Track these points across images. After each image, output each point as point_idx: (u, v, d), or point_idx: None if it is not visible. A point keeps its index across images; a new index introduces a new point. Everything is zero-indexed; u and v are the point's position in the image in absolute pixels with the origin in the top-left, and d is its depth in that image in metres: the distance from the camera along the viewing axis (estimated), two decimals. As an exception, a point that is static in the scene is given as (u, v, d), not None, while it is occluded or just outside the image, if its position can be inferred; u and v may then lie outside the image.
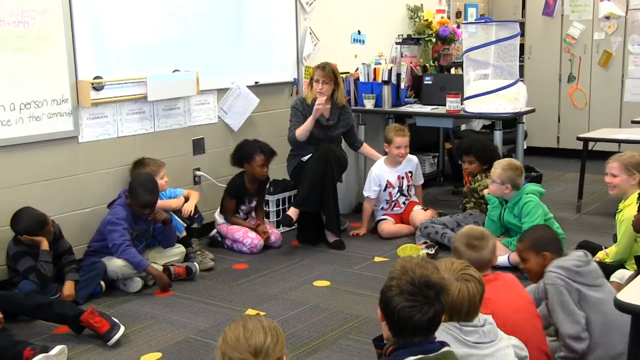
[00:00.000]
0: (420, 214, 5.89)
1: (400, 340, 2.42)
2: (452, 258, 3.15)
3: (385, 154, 6.08)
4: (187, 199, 5.43)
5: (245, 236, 5.55)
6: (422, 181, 6.29)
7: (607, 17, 8.43)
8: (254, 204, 5.80)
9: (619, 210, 4.53)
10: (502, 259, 4.80)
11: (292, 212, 5.55)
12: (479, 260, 3.26)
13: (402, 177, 6.03)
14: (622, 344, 3.40)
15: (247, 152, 5.62)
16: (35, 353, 3.63)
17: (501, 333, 2.80)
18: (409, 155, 6.11)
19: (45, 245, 4.52)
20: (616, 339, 3.36)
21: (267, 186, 6.11)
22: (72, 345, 3.93)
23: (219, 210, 5.77)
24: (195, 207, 5.43)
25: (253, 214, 5.84)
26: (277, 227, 5.97)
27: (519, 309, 3.22)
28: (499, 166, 5.03)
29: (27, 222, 4.50)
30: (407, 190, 6.06)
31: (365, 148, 6.28)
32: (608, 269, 4.25)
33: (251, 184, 5.70)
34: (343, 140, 6.13)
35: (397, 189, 6.02)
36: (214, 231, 5.83)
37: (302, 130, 5.71)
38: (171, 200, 5.31)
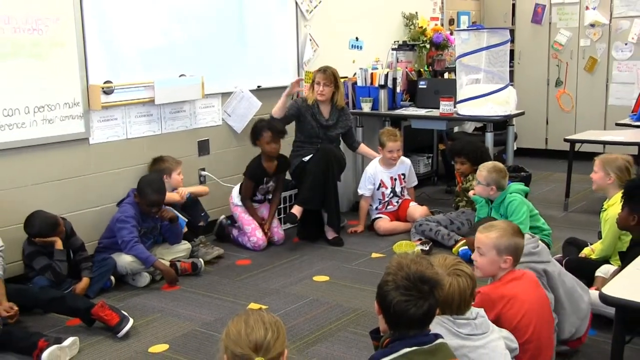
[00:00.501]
0: (417, 209, 5.93)
1: (396, 333, 2.43)
2: (445, 254, 3.17)
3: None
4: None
5: (252, 233, 5.54)
6: (415, 182, 6.30)
7: (592, 25, 8.46)
8: (270, 185, 5.74)
9: (603, 209, 4.57)
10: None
11: (296, 210, 5.55)
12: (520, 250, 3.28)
13: (395, 179, 6.04)
14: (584, 304, 3.48)
15: (256, 130, 5.62)
16: (49, 344, 3.65)
17: (492, 325, 2.82)
18: (402, 158, 6.12)
19: (59, 244, 4.52)
20: (579, 301, 3.46)
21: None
22: (84, 337, 3.93)
23: (237, 188, 5.72)
24: (201, 205, 5.43)
25: (270, 196, 5.81)
26: (283, 223, 5.96)
27: (544, 309, 3.22)
28: (484, 169, 5.04)
29: (40, 225, 4.49)
30: (400, 192, 6.07)
31: (363, 148, 6.29)
32: (593, 265, 4.30)
33: (268, 164, 5.64)
34: (342, 141, 6.13)
35: (390, 189, 6.02)
36: (223, 217, 5.83)
37: (277, 108, 5.83)
38: (173, 193, 5.26)
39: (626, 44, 8.30)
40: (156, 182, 4.94)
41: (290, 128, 5.94)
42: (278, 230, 5.78)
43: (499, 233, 3.22)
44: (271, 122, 5.68)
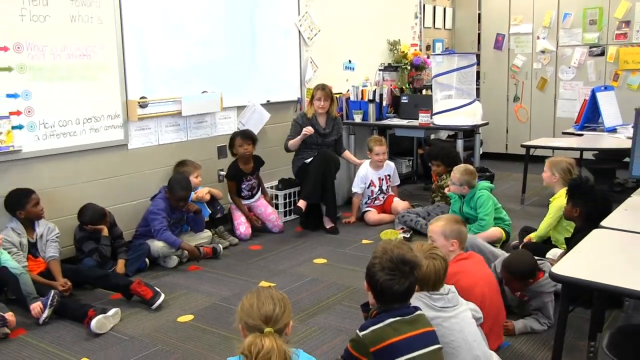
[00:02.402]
0: (400, 204, 5.93)
1: (382, 306, 2.46)
2: (422, 241, 3.20)
3: (368, 160, 6.10)
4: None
5: (237, 227, 5.51)
6: (398, 182, 6.29)
7: (543, 52, 8.50)
8: (252, 181, 5.70)
9: (550, 201, 4.59)
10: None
11: (301, 203, 5.53)
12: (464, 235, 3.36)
13: (382, 179, 6.05)
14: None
15: (230, 140, 5.64)
16: (97, 313, 3.68)
17: (461, 299, 2.83)
18: (388, 162, 6.12)
19: (105, 232, 4.57)
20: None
21: (277, 183, 6.14)
22: (124, 308, 3.95)
23: (229, 196, 5.70)
24: (217, 200, 5.40)
25: (256, 192, 5.76)
26: (289, 215, 5.95)
27: (490, 282, 3.25)
28: (458, 171, 5.02)
29: (91, 215, 4.54)
30: (386, 190, 6.08)
31: (347, 154, 6.22)
32: (544, 249, 4.27)
33: (244, 165, 5.61)
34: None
35: (377, 187, 6.03)
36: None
37: (293, 143, 5.77)
38: (202, 190, 5.27)
39: (569, 67, 8.34)
40: (184, 180, 4.96)
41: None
42: (278, 222, 5.75)
43: (444, 222, 3.34)
44: (243, 131, 5.68)
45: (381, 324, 2.37)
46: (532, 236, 4.56)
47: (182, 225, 5.10)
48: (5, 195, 4.23)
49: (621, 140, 6.09)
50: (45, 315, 3.77)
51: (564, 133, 7.03)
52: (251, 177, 5.69)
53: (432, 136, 7.48)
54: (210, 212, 5.32)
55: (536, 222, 5.12)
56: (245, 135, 5.60)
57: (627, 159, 4.08)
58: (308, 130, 5.67)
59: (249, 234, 5.50)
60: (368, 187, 6.02)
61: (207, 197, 5.25)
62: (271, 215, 5.74)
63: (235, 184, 5.63)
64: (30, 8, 4.31)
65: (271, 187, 6.12)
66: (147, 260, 4.76)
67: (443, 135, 7.62)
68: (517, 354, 3.30)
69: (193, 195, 5.18)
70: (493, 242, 4.64)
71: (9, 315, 3.64)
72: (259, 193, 5.81)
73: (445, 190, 5.40)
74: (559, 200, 4.29)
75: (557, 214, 4.31)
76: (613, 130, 6.56)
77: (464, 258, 3.29)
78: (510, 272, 3.50)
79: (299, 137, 5.70)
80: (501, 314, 3.29)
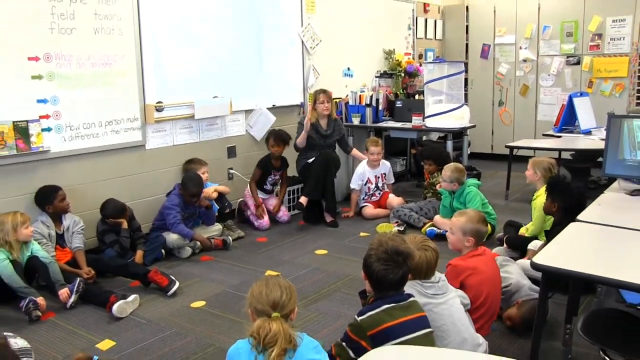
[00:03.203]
0: (394, 200, 5.93)
1: (378, 294, 2.46)
2: (415, 234, 3.21)
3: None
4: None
5: (255, 218, 5.60)
6: (392, 181, 6.28)
7: (525, 60, 8.50)
8: (277, 177, 5.80)
9: (533, 199, 4.61)
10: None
11: (303, 199, 5.56)
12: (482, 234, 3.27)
13: (378, 177, 6.06)
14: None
15: (267, 137, 5.73)
16: (118, 299, 3.72)
17: (450, 287, 2.82)
18: (384, 161, 6.12)
19: (125, 225, 4.59)
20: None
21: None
22: (142, 294, 3.97)
23: (249, 182, 5.76)
24: (225, 197, 5.38)
25: (275, 190, 5.87)
26: (292, 210, 5.97)
27: (495, 282, 3.21)
28: (448, 169, 5.05)
29: (112, 209, 4.58)
30: (381, 187, 6.09)
31: (355, 152, 6.28)
32: (526, 240, 4.34)
33: (275, 161, 5.70)
34: (338, 146, 6.12)
35: (374, 185, 6.04)
36: (240, 199, 5.83)
37: (300, 140, 5.80)
38: (210, 188, 5.26)
39: (549, 75, 8.35)
40: (196, 178, 4.98)
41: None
42: (286, 213, 5.81)
43: (466, 219, 3.25)
44: (276, 132, 5.72)
45: (377, 310, 2.38)
46: (523, 231, 4.57)
47: (195, 219, 5.12)
48: (35, 191, 4.28)
49: (595, 141, 6.11)
50: (72, 300, 3.81)
51: (544, 135, 7.06)
52: (277, 173, 5.76)
53: (424, 137, 7.47)
54: (218, 207, 5.33)
55: (519, 217, 5.15)
56: (278, 137, 5.66)
57: (600, 159, 4.10)
58: (306, 125, 5.72)
59: (267, 225, 5.58)
60: (365, 184, 6.02)
61: (215, 195, 5.25)
62: (281, 207, 5.82)
63: (262, 173, 5.69)
64: (59, 22, 4.34)
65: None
66: (163, 251, 4.78)
67: (434, 136, 7.61)
68: (501, 335, 3.31)
69: (214, 194, 5.21)
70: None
71: (40, 300, 3.69)
72: (275, 192, 5.89)
73: (437, 187, 5.40)
74: (542, 197, 4.31)
75: (542, 210, 4.33)
76: (588, 132, 6.58)
77: (477, 254, 3.21)
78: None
79: (303, 132, 5.75)
80: (497, 309, 3.26)
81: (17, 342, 2.09)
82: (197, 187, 4.92)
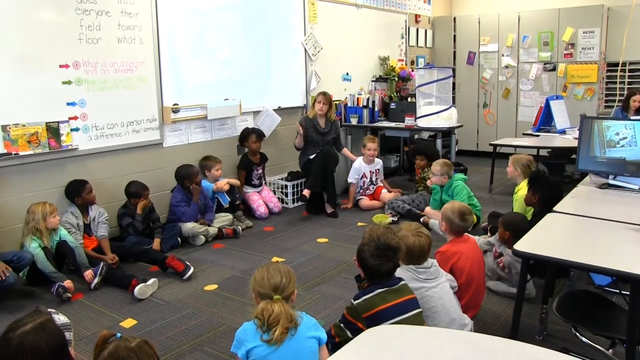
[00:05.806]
0: (387, 195, 5.92)
1: (371, 280, 2.47)
2: (409, 222, 3.21)
3: (362, 155, 6.10)
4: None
5: (257, 209, 5.58)
6: (382, 177, 6.19)
7: (507, 67, 8.49)
8: (260, 171, 5.75)
9: (515, 192, 4.60)
10: (435, 222, 4.78)
11: (306, 192, 5.53)
12: (465, 228, 3.25)
13: (373, 172, 6.05)
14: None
15: (243, 134, 5.67)
16: (139, 282, 3.73)
17: (442, 271, 2.83)
18: (377, 159, 6.11)
19: (140, 209, 4.58)
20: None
21: (286, 175, 6.15)
22: (161, 278, 3.98)
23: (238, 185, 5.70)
24: (236, 189, 5.37)
25: (263, 182, 5.81)
26: (296, 202, 5.96)
27: (479, 261, 3.23)
28: (437, 164, 5.04)
29: (136, 187, 4.60)
30: (375, 181, 6.07)
31: (345, 151, 6.25)
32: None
33: (254, 157, 5.67)
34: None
35: (369, 179, 6.03)
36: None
37: (297, 141, 5.85)
38: (217, 182, 5.25)
39: (528, 80, 8.34)
40: (183, 166, 4.96)
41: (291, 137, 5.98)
42: (277, 204, 5.78)
43: (449, 206, 3.29)
44: (254, 129, 5.71)
45: (372, 294, 2.38)
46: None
47: (208, 208, 5.09)
48: (65, 185, 4.30)
49: (570, 140, 6.12)
50: (95, 281, 3.83)
51: (524, 134, 7.03)
52: (258, 167, 5.73)
53: (416, 136, 7.47)
54: (229, 199, 5.32)
55: (502, 208, 5.15)
56: (258, 134, 5.67)
57: (574, 156, 4.10)
58: (299, 127, 5.76)
59: (267, 213, 5.59)
60: (361, 179, 6.02)
61: (227, 187, 5.25)
62: (272, 198, 5.81)
63: (246, 173, 5.66)
64: (86, 33, 4.36)
65: (281, 179, 6.14)
66: (179, 239, 4.77)
67: (425, 135, 7.59)
68: (486, 313, 3.32)
69: (214, 186, 5.19)
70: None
71: (67, 283, 3.71)
72: (264, 183, 5.85)
73: (428, 183, 5.39)
74: (523, 191, 4.30)
75: (523, 202, 4.32)
76: (563, 132, 6.57)
77: (463, 241, 3.23)
78: (505, 227, 3.60)
79: (298, 136, 5.81)
80: (482, 291, 3.27)
81: (60, 318, 2.11)
82: (186, 169, 4.90)
